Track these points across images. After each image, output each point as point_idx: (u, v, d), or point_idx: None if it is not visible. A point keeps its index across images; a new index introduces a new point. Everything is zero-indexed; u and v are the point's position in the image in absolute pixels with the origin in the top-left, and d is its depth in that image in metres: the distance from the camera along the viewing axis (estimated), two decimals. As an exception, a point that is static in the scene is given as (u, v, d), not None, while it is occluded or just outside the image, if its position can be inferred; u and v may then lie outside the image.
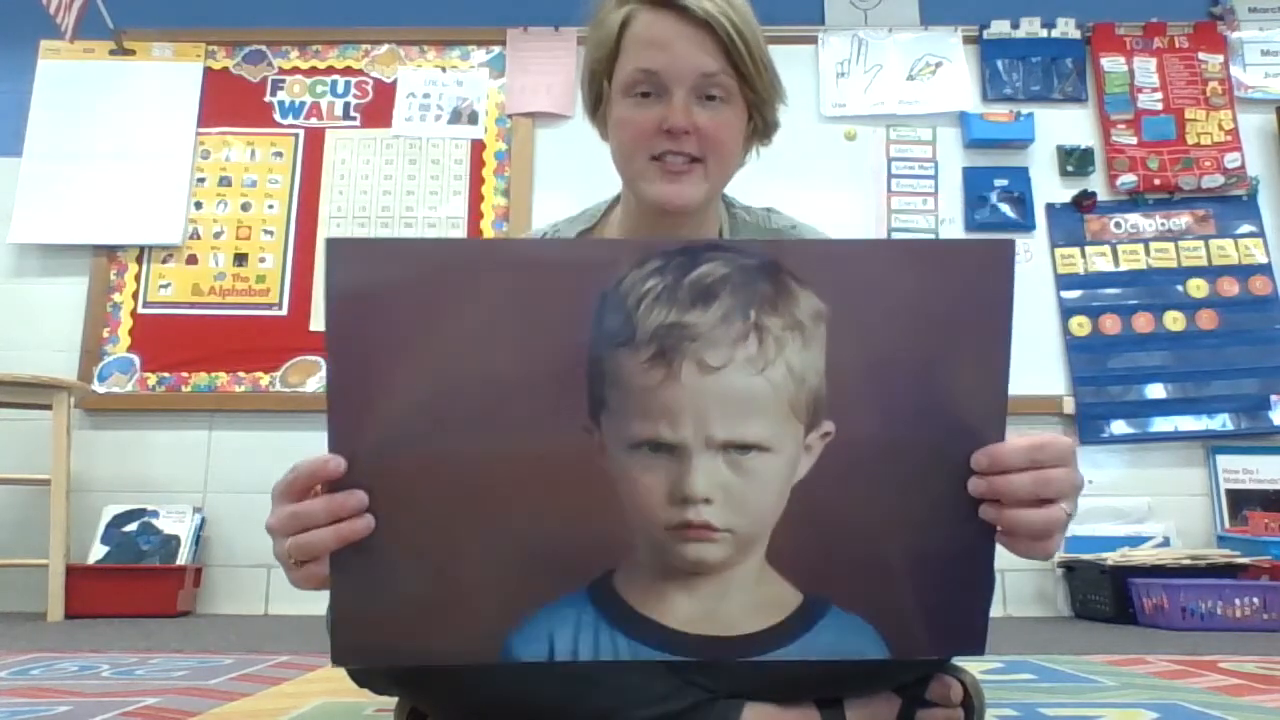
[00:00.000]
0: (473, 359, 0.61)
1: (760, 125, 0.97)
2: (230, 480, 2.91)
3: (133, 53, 3.21)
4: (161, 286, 3.06)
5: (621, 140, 0.93)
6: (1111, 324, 3.00)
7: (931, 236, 3.06)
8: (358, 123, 3.19)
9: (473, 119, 3.19)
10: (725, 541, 0.62)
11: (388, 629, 0.63)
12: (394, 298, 0.60)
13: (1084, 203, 3.08)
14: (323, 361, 3.07)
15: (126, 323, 3.03)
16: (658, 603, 0.63)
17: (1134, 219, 3.10)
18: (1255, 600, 2.31)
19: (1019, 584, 2.84)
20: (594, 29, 0.96)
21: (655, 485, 0.61)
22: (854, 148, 3.14)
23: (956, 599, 0.63)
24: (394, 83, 3.21)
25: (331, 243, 0.60)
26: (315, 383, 2.96)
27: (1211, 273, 3.03)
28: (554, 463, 0.61)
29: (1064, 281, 3.05)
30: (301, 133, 3.18)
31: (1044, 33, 3.22)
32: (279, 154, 3.16)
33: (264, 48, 3.24)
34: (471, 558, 0.62)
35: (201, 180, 3.14)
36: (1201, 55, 3.20)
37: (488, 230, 3.09)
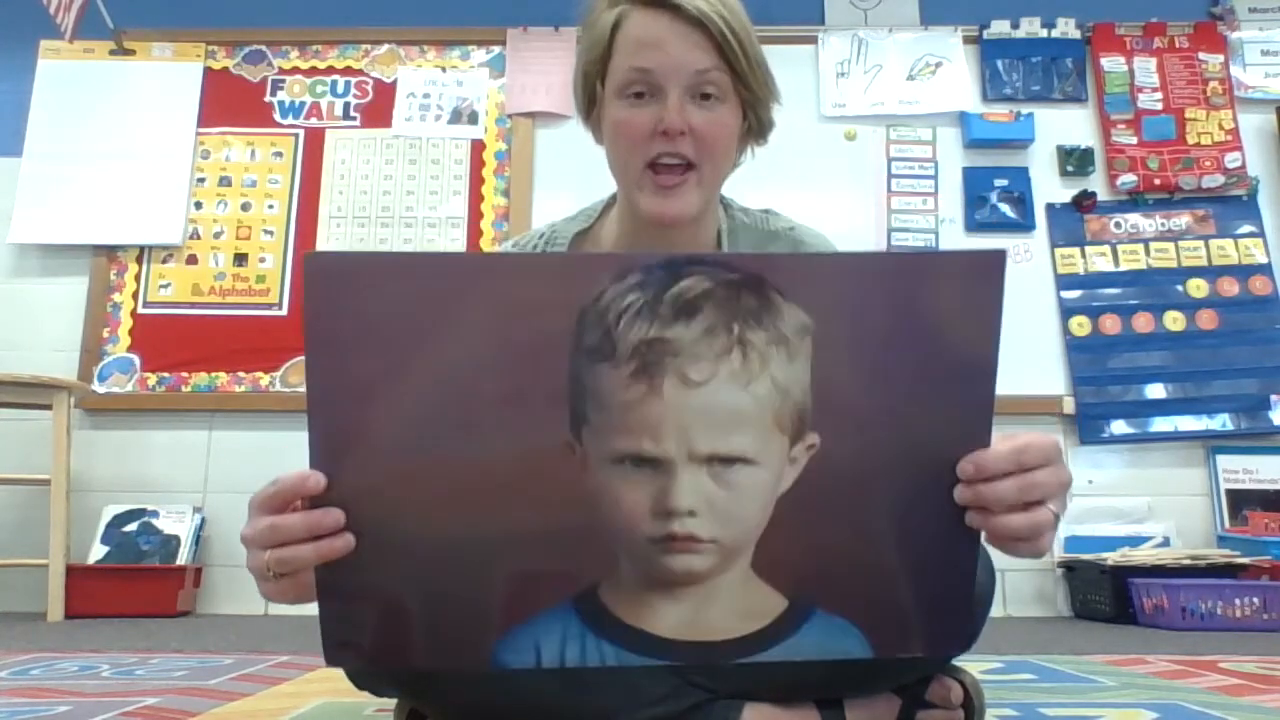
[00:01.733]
0: (453, 375, 0.60)
1: (755, 125, 0.96)
2: (230, 480, 2.91)
3: (133, 53, 3.21)
4: (161, 286, 3.06)
5: (617, 144, 0.92)
6: (1111, 324, 3.00)
7: (932, 236, 3.06)
8: (358, 123, 3.19)
9: (473, 119, 3.19)
10: (710, 552, 0.61)
11: (374, 641, 0.63)
12: (373, 313, 0.59)
13: (1084, 203, 3.08)
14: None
15: (126, 323, 3.03)
16: (644, 612, 0.63)
17: (1134, 219, 3.10)
18: (1255, 600, 2.31)
19: (1019, 584, 2.84)
20: (586, 31, 0.95)
21: (638, 499, 0.61)
22: (854, 148, 3.14)
23: (942, 601, 0.64)
24: (394, 83, 3.21)
25: (309, 257, 0.59)
26: (315, 383, 2.95)
27: (1211, 273, 3.03)
28: (536, 478, 0.61)
29: (1064, 281, 3.05)
30: (301, 133, 3.18)
31: (1044, 33, 3.22)
32: (279, 154, 3.16)
33: (264, 48, 3.24)
34: (456, 574, 0.62)
35: (201, 180, 3.14)
36: (1201, 55, 3.20)
37: (488, 230, 3.09)
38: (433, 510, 0.61)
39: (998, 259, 0.60)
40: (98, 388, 2.95)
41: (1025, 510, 0.62)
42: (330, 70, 3.23)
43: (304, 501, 0.62)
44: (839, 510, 0.62)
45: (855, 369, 0.61)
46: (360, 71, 3.23)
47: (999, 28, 3.21)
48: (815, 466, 0.61)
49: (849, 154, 3.13)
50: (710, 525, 0.61)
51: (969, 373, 0.60)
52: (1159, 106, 3.16)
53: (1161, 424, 2.93)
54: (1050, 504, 0.63)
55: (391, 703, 0.89)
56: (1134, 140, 3.13)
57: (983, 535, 0.64)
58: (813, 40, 3.21)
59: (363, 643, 0.63)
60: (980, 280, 0.60)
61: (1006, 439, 0.63)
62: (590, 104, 0.97)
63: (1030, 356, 2.93)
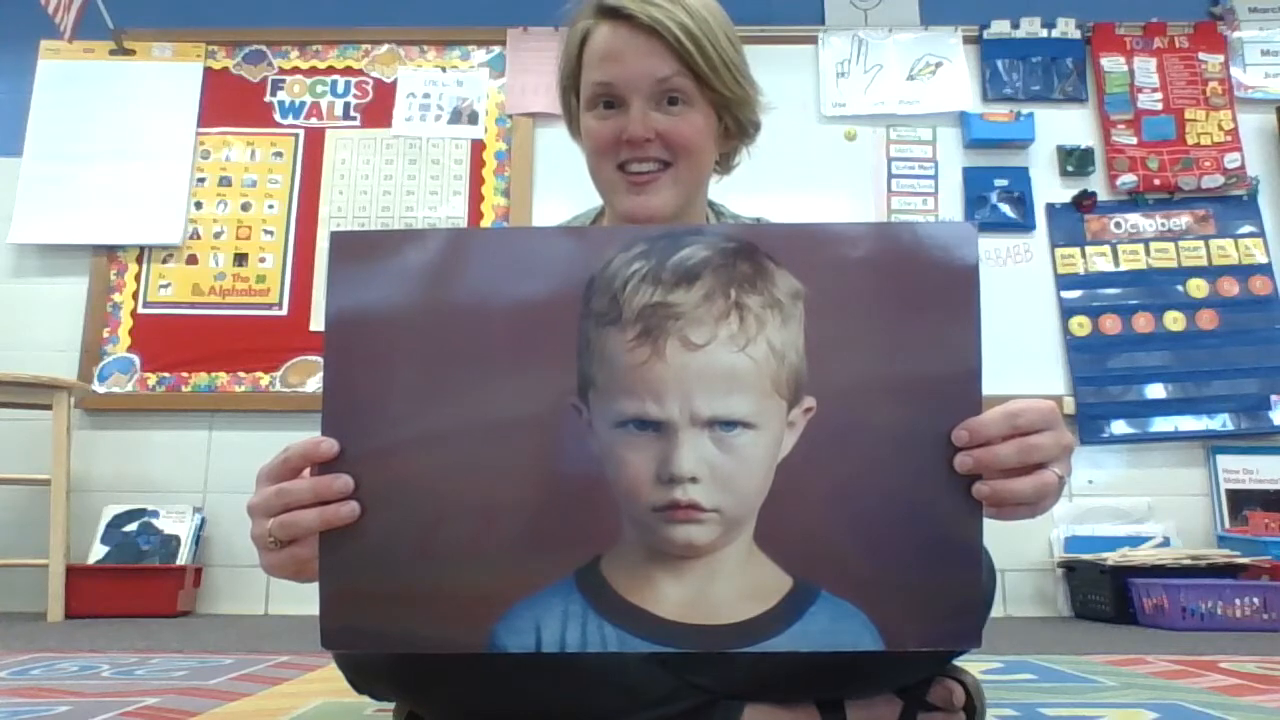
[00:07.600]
0: (466, 342, 0.63)
1: (734, 126, 0.96)
2: (230, 480, 2.91)
3: (133, 53, 3.21)
4: (161, 286, 3.06)
5: (588, 153, 0.95)
6: (1111, 324, 3.00)
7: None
8: (358, 123, 3.19)
9: (473, 119, 3.19)
10: (713, 522, 0.62)
11: (375, 614, 0.63)
12: (391, 284, 0.63)
13: (1084, 203, 3.08)
14: (322, 359, 3.03)
15: (126, 323, 3.03)
16: (646, 589, 0.63)
17: (1134, 219, 3.10)
18: (1255, 600, 2.31)
19: (1019, 584, 2.84)
20: (563, 44, 0.98)
21: (642, 464, 0.62)
22: (854, 148, 3.14)
23: (947, 583, 0.62)
24: (394, 83, 3.21)
25: (336, 235, 0.64)
26: (315, 383, 2.96)
27: (1211, 273, 3.03)
28: (542, 444, 0.63)
29: (1064, 281, 3.05)
30: (301, 133, 3.18)
31: (1044, 33, 3.22)
32: (279, 154, 3.16)
33: (264, 48, 3.24)
34: (460, 544, 0.63)
35: (201, 180, 3.14)
36: (1201, 55, 3.20)
37: (488, 230, 3.09)
38: (441, 477, 0.63)
39: (969, 229, 0.64)
40: (98, 388, 2.95)
41: (1029, 474, 0.62)
42: (330, 70, 3.23)
43: (313, 469, 0.64)
44: (837, 479, 0.63)
45: (846, 333, 0.63)
46: (360, 71, 3.23)
47: (999, 28, 3.21)
48: (813, 433, 0.63)
49: (849, 154, 3.13)
50: (712, 493, 0.62)
51: (953, 338, 0.63)
52: (1159, 106, 3.16)
53: (1161, 424, 2.93)
54: (1054, 467, 0.64)
55: (391, 705, 0.89)
56: (1134, 140, 3.13)
57: (983, 532, 0.64)
58: (813, 40, 3.21)
59: (361, 624, 0.64)
60: (955, 248, 0.63)
61: (1001, 406, 0.63)
62: (571, 116, 1.00)
63: (1030, 356, 2.93)
